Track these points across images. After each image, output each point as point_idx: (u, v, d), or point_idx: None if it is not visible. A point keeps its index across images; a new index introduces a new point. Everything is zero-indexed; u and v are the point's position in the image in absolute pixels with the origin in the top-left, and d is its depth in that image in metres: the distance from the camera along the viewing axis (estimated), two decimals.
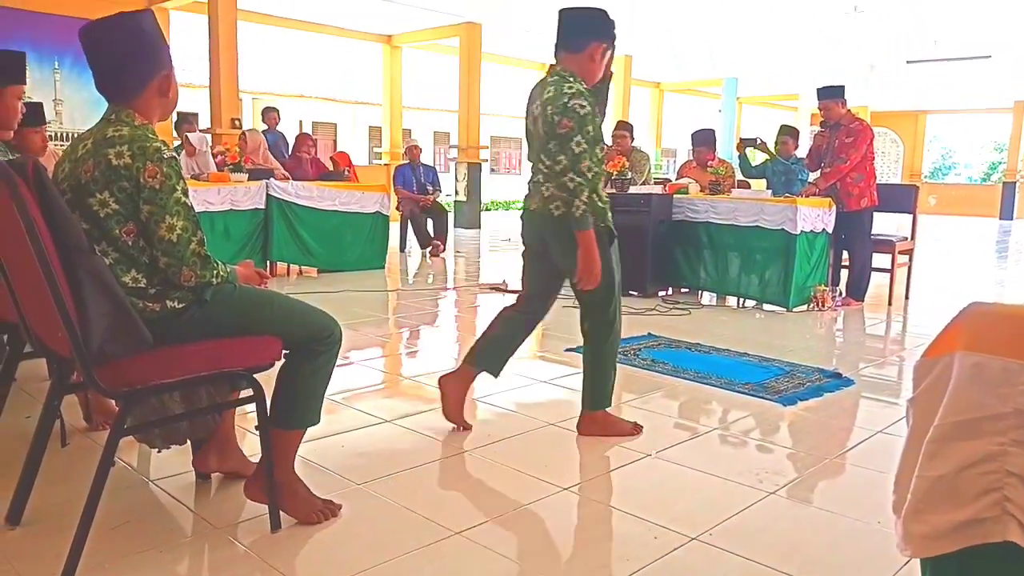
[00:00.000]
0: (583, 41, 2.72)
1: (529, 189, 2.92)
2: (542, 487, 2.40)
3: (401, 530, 2.09)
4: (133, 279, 1.86)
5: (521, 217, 3.01)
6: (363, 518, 2.16)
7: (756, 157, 6.92)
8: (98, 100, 1.95)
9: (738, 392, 3.49)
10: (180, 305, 1.90)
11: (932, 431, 1.07)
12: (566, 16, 2.75)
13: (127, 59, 1.90)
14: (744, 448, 2.86)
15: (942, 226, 16.54)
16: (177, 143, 7.94)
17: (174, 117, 7.25)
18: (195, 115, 9.28)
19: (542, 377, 3.72)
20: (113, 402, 2.52)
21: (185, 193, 1.88)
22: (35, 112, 3.43)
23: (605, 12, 2.75)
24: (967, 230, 16.10)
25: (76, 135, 2.04)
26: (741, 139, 6.88)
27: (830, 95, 5.87)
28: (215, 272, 1.92)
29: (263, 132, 8.69)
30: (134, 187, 1.82)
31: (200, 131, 8.07)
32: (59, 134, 9.34)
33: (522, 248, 3.04)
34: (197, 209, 1.97)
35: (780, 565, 1.94)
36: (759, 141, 6.63)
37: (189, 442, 2.30)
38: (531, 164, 2.91)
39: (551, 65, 2.81)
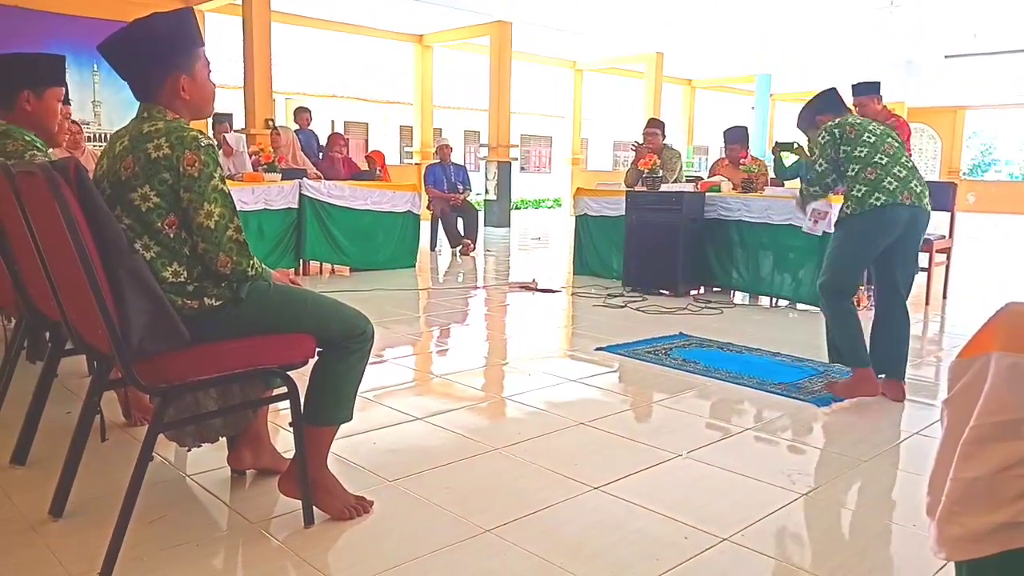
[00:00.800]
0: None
1: (893, 185, 3.29)
2: (572, 486, 2.40)
3: (432, 527, 2.11)
4: (174, 273, 1.89)
5: (886, 210, 3.27)
6: (394, 514, 2.19)
7: (790, 160, 6.82)
8: (135, 102, 1.99)
9: (771, 392, 3.46)
10: (217, 303, 1.94)
11: (968, 432, 1.06)
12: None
13: (133, 63, 1.95)
14: (777, 449, 2.84)
15: (981, 224, 16.20)
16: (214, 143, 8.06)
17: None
18: (229, 115, 9.42)
19: (573, 376, 3.72)
20: (148, 398, 2.57)
21: (223, 180, 1.91)
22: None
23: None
24: (1007, 228, 15.75)
25: (113, 134, 2.08)
26: (777, 143, 6.80)
27: (866, 91, 5.77)
28: (251, 262, 1.95)
29: (295, 132, 8.79)
30: (174, 177, 1.85)
31: (235, 131, 8.18)
32: (98, 135, 9.54)
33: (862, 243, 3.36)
34: None
35: (813, 568, 1.93)
36: (796, 145, 6.55)
37: (224, 439, 2.35)
38: (888, 164, 3.32)
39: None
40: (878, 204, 3.26)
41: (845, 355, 3.45)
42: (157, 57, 1.94)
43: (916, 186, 3.34)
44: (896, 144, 3.41)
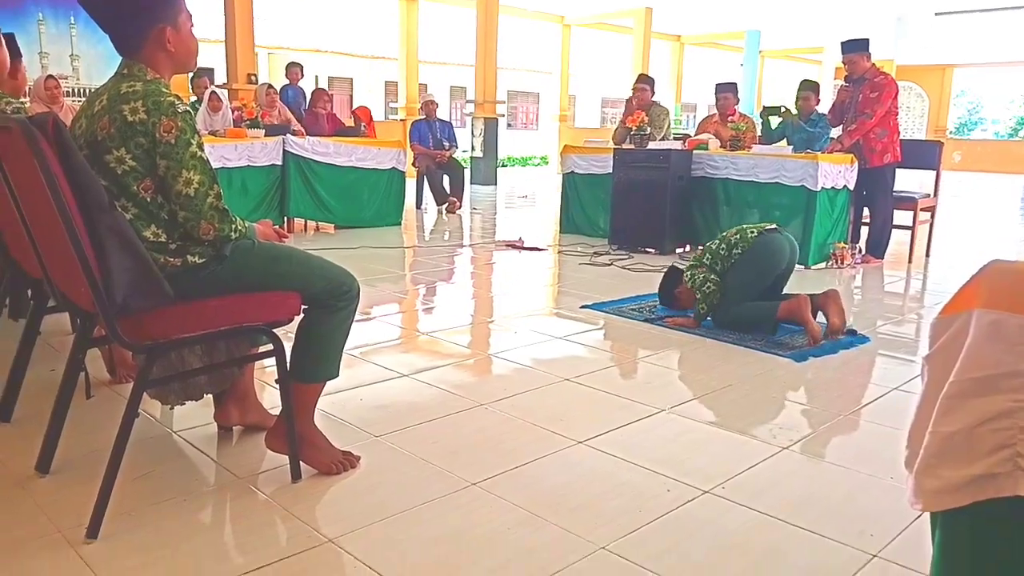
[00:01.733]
0: None
1: None
2: (557, 440, 2.43)
3: (418, 481, 2.13)
4: (154, 234, 1.88)
5: None
6: (381, 469, 2.21)
7: (776, 123, 6.78)
8: (114, 56, 1.94)
9: (751, 348, 3.49)
10: (200, 260, 1.92)
11: (947, 387, 1.07)
12: None
13: (116, 16, 1.90)
14: (758, 404, 2.88)
15: (967, 183, 16.27)
16: (194, 99, 7.93)
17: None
18: (211, 70, 9.25)
19: (558, 333, 3.74)
20: (132, 355, 2.56)
21: (200, 147, 1.88)
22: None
23: None
24: (992, 187, 15.83)
25: (93, 90, 2.04)
26: (764, 107, 6.76)
27: (855, 49, 5.74)
28: (233, 226, 1.94)
29: (284, 87, 8.64)
30: (150, 143, 1.82)
31: (216, 87, 8.04)
32: (76, 90, 9.34)
33: None
34: (214, 165, 1.97)
35: (792, 519, 1.97)
36: (783, 109, 6.51)
37: (211, 396, 2.35)
38: None
39: None
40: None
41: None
42: (141, 8, 1.89)
43: None
44: None
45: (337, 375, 2.17)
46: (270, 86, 7.95)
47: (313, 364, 2.12)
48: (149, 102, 1.82)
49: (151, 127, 1.81)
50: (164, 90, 1.88)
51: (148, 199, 1.87)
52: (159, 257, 1.87)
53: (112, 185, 1.85)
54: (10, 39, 3.29)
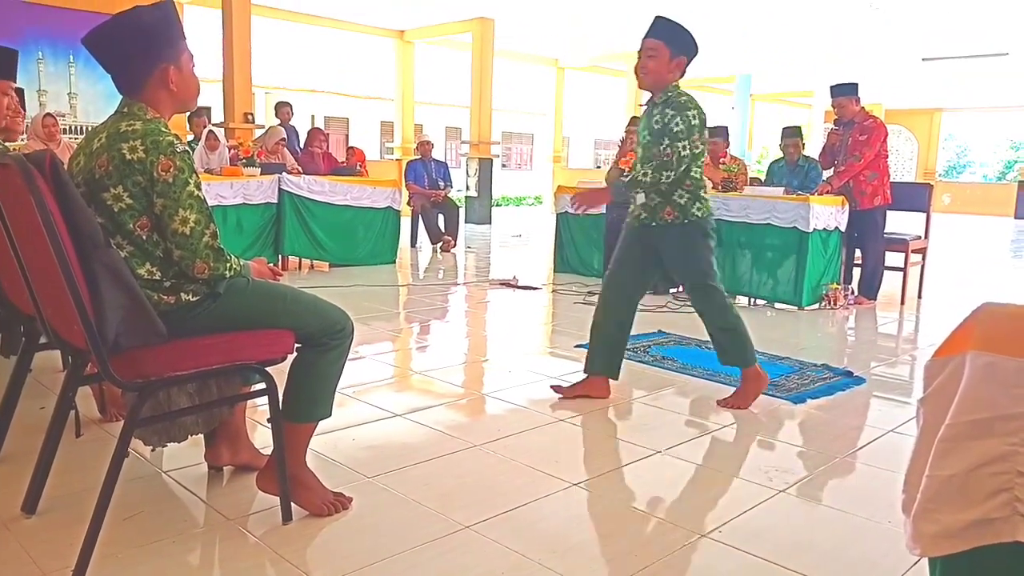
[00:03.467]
0: None
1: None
2: (551, 482, 2.40)
3: (411, 523, 2.10)
4: (148, 272, 1.88)
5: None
6: (373, 511, 2.18)
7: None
8: (112, 94, 1.96)
9: None
10: (194, 298, 1.92)
11: (943, 430, 1.07)
12: None
13: (121, 56, 1.92)
14: (754, 446, 2.86)
15: (956, 225, 16.42)
16: (191, 137, 7.98)
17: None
18: (208, 109, 9.32)
19: (552, 373, 3.72)
20: (121, 393, 2.54)
21: (198, 187, 1.89)
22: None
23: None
24: (982, 229, 15.98)
25: (91, 128, 2.05)
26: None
27: (844, 92, 5.83)
28: (228, 265, 1.94)
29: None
30: (148, 181, 1.83)
31: (214, 126, 8.10)
32: (74, 127, 9.39)
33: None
34: (210, 202, 1.98)
35: (789, 563, 1.94)
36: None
37: (202, 435, 2.32)
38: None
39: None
40: (700, 216, 3.16)
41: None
42: (144, 49, 1.92)
43: None
44: None
45: (330, 415, 2.15)
46: (283, 138, 7.99)
47: (305, 404, 2.10)
48: (148, 141, 1.83)
49: (149, 166, 1.82)
50: (163, 129, 1.89)
51: (144, 237, 1.87)
52: (153, 295, 1.87)
53: (108, 223, 1.85)
54: (18, 93, 3.36)
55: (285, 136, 8.14)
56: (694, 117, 3.05)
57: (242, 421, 2.38)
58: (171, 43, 1.95)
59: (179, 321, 1.90)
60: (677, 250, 3.20)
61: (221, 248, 1.92)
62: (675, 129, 3.02)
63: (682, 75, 3.17)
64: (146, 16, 1.92)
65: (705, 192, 3.20)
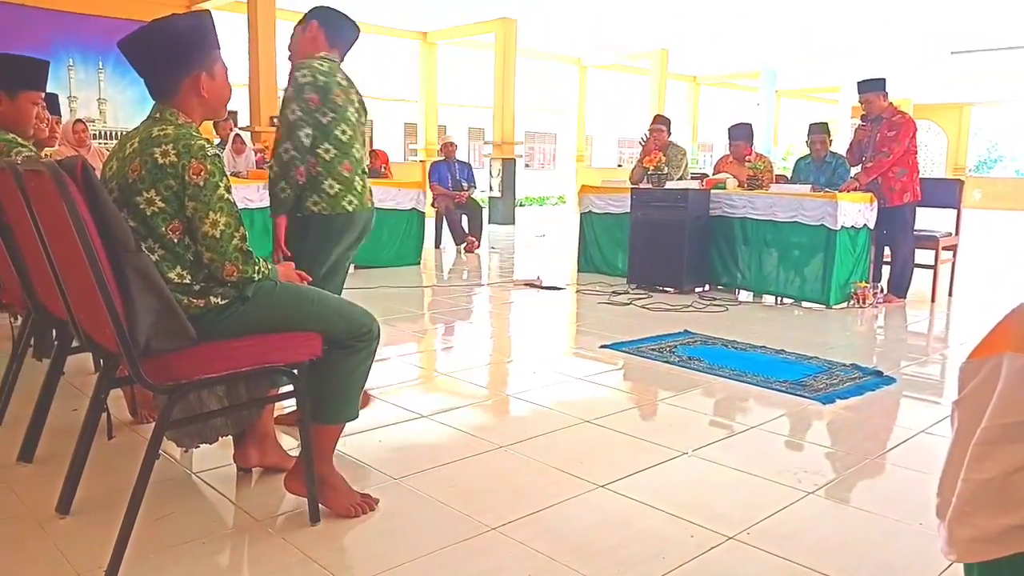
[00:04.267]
0: None
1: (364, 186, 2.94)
2: (578, 484, 2.40)
3: (438, 525, 2.11)
4: (178, 275, 1.90)
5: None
6: (400, 512, 2.19)
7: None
8: (141, 100, 2.01)
9: (775, 390, 3.45)
10: (223, 301, 1.94)
11: (979, 433, 1.05)
12: None
13: (155, 62, 1.96)
14: (782, 447, 2.83)
15: (988, 221, 16.14)
16: (218, 141, 8.07)
17: None
18: (234, 113, 9.41)
19: (577, 374, 3.72)
20: (152, 396, 2.57)
21: (228, 190, 1.92)
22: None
23: None
24: (1014, 225, 15.69)
25: (120, 133, 2.09)
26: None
27: (871, 88, 5.75)
28: (256, 268, 1.96)
29: None
30: (180, 185, 1.86)
31: (240, 129, 8.19)
32: (103, 132, 9.53)
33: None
34: (238, 206, 2.00)
35: (818, 566, 1.92)
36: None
37: (231, 437, 2.35)
38: (359, 160, 2.94)
39: None
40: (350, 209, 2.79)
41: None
42: (178, 55, 1.95)
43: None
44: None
45: (357, 416, 2.16)
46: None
47: (333, 405, 2.11)
48: (180, 145, 1.86)
49: (181, 169, 1.85)
50: (195, 134, 1.92)
51: (175, 240, 1.89)
52: (183, 298, 1.89)
53: (140, 226, 1.88)
54: (53, 99, 3.40)
55: None
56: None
57: (270, 423, 2.40)
58: (205, 51, 1.99)
59: (208, 324, 1.92)
60: None
61: (250, 251, 1.94)
62: None
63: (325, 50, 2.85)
64: (181, 24, 1.96)
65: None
